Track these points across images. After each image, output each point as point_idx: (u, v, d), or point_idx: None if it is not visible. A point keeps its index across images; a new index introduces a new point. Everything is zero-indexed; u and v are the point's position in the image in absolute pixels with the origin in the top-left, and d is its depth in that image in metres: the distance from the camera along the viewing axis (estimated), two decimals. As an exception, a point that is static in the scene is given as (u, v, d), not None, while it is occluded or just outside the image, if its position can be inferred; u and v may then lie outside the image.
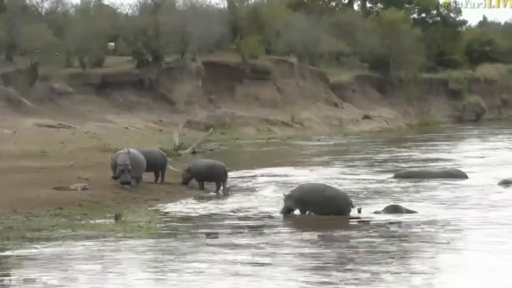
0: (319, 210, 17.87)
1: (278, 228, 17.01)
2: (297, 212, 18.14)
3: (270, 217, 18.07)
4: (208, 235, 15.54)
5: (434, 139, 48.11)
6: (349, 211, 17.88)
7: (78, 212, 17.67)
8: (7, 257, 13.22)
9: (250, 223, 17.35)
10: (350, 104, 63.52)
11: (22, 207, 17.59)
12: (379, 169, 28.75)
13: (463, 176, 25.13)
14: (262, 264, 12.86)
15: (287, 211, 18.08)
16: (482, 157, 33.63)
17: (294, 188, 19.12)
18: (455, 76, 72.81)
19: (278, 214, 18.11)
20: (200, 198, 21.16)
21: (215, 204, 20.07)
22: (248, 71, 57.14)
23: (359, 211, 18.11)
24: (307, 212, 18.06)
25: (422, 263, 12.88)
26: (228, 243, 14.74)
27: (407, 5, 78.02)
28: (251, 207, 19.51)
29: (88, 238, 14.88)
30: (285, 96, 58.39)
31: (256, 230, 16.35)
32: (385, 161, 32.48)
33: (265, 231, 16.24)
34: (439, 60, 75.05)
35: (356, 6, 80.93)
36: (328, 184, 19.79)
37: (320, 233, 15.71)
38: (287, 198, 18.13)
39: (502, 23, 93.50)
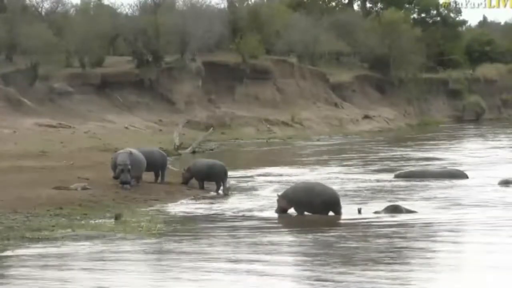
0: (311, 209, 17.92)
1: (278, 228, 17.02)
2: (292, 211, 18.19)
3: (270, 217, 18.07)
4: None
5: (434, 139, 48.13)
6: (340, 209, 17.87)
7: (78, 212, 17.66)
8: (7, 257, 13.21)
9: (250, 223, 17.36)
10: (350, 104, 63.53)
11: (22, 207, 17.58)
12: (379, 169, 28.75)
13: (463, 176, 25.13)
14: (264, 265, 12.86)
15: (281, 211, 18.13)
16: (481, 157, 33.65)
17: (287, 188, 19.14)
18: (455, 76, 72.81)
19: (276, 214, 18.13)
20: (200, 198, 21.15)
21: (215, 204, 20.07)
22: (248, 71, 57.12)
23: (359, 211, 18.10)
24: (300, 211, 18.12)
25: (421, 263, 12.87)
26: (228, 244, 14.73)
27: (407, 5, 78.01)
28: (251, 207, 19.50)
29: (88, 238, 14.87)
30: (285, 96, 58.39)
31: (256, 230, 16.35)
32: (385, 161, 32.48)
33: (265, 231, 16.24)
34: (439, 60, 75.06)
35: (356, 6, 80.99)
36: (321, 183, 19.70)
37: (318, 234, 15.71)
38: (281, 198, 18.18)
39: (502, 23, 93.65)
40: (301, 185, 19.25)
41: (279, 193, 18.59)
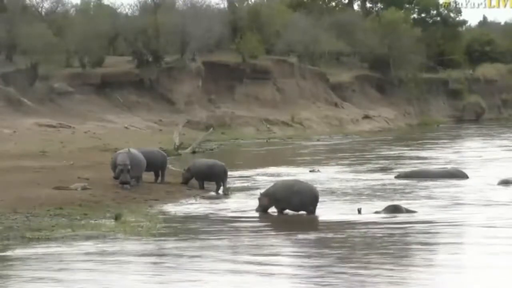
0: (291, 207, 17.97)
1: (277, 228, 17.01)
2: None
3: (269, 217, 18.08)
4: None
5: (434, 139, 48.13)
6: (315, 206, 17.92)
7: (78, 212, 17.66)
8: (7, 257, 13.21)
9: (250, 223, 17.36)
10: (350, 104, 63.51)
11: (22, 207, 17.58)
12: (379, 169, 28.75)
13: (463, 176, 25.15)
14: (264, 265, 12.86)
15: (263, 210, 18.20)
16: (481, 156, 33.68)
17: (269, 186, 19.17)
18: (455, 76, 72.78)
19: (274, 214, 18.13)
20: (200, 198, 21.15)
21: (215, 204, 20.07)
22: (248, 71, 57.11)
23: (359, 211, 18.11)
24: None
25: (420, 263, 12.87)
26: (227, 244, 14.74)
27: (407, 5, 77.98)
28: (251, 207, 19.48)
29: (88, 238, 14.88)
30: (285, 96, 58.38)
31: (256, 230, 16.35)
32: (385, 160, 32.48)
33: (266, 231, 16.25)
34: (439, 60, 75.02)
35: (356, 6, 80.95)
36: (301, 181, 19.65)
37: (317, 234, 15.71)
38: (262, 196, 18.25)
39: (502, 23, 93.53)
40: (281, 183, 19.23)
41: (261, 191, 18.67)
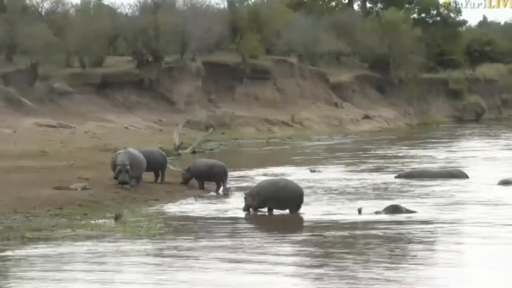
0: (277, 205, 18.00)
1: (276, 229, 17.01)
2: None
3: (268, 217, 18.07)
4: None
5: (434, 139, 48.13)
6: (299, 204, 17.95)
7: (78, 212, 17.67)
8: (7, 257, 13.21)
9: (250, 224, 17.36)
10: (350, 104, 63.53)
11: (22, 207, 17.59)
12: (379, 169, 28.75)
13: (463, 176, 25.15)
14: (263, 265, 12.86)
15: (248, 209, 18.24)
16: (481, 156, 33.69)
17: (253, 186, 19.19)
18: (455, 76, 72.82)
19: (270, 214, 18.14)
20: (200, 198, 21.15)
21: (215, 204, 20.07)
22: (248, 71, 57.14)
23: (359, 211, 18.11)
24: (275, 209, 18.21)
25: (420, 263, 12.87)
26: (228, 244, 14.74)
27: (407, 5, 78.02)
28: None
29: (88, 238, 14.88)
30: (285, 96, 58.40)
31: (256, 230, 16.35)
32: (385, 160, 32.48)
33: (264, 231, 16.25)
34: (439, 60, 75.05)
35: (356, 6, 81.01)
36: (285, 178, 19.62)
37: (317, 234, 15.71)
38: (247, 196, 18.28)
39: (502, 23, 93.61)
40: (266, 182, 19.27)
41: (246, 192, 18.69)
